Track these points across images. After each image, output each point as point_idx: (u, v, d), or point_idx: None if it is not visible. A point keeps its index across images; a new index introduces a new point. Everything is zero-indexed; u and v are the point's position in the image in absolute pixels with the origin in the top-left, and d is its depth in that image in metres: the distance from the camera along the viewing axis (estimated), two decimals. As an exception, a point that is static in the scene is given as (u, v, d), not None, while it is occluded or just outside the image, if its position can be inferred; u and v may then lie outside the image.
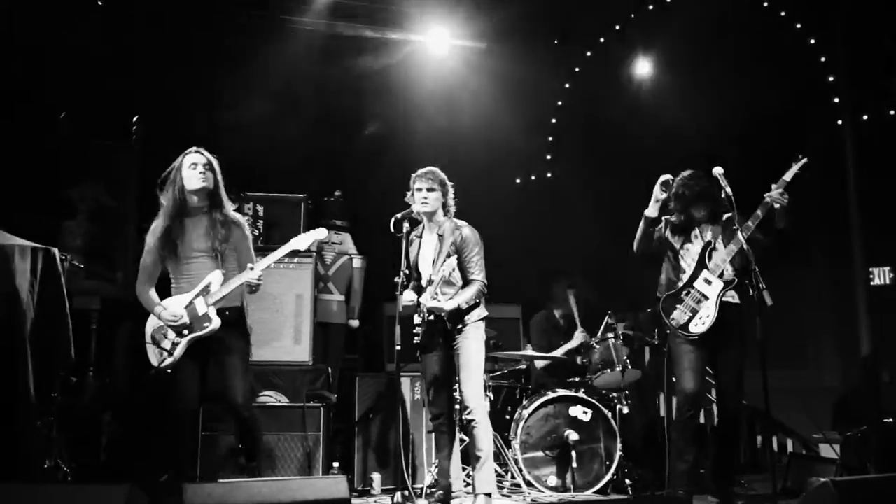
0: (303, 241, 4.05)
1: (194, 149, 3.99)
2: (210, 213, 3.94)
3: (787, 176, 4.26)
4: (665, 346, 4.79)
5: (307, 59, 6.53)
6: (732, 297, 4.35)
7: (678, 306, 4.37)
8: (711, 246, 4.39)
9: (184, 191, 3.91)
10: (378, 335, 6.12)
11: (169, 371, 3.88)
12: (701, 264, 4.38)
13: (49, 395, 4.21)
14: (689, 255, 4.45)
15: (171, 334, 3.88)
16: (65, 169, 5.60)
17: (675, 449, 4.39)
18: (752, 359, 4.23)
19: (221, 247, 3.91)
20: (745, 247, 4.07)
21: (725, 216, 4.43)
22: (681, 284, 4.39)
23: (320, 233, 4.14)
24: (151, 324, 3.97)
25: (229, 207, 4.03)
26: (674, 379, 4.43)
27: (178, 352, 3.84)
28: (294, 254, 5.29)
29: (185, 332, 3.84)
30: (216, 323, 3.81)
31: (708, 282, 4.34)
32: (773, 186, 4.25)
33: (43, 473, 3.92)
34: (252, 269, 3.81)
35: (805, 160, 4.26)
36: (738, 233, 4.13)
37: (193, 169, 3.90)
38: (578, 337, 5.74)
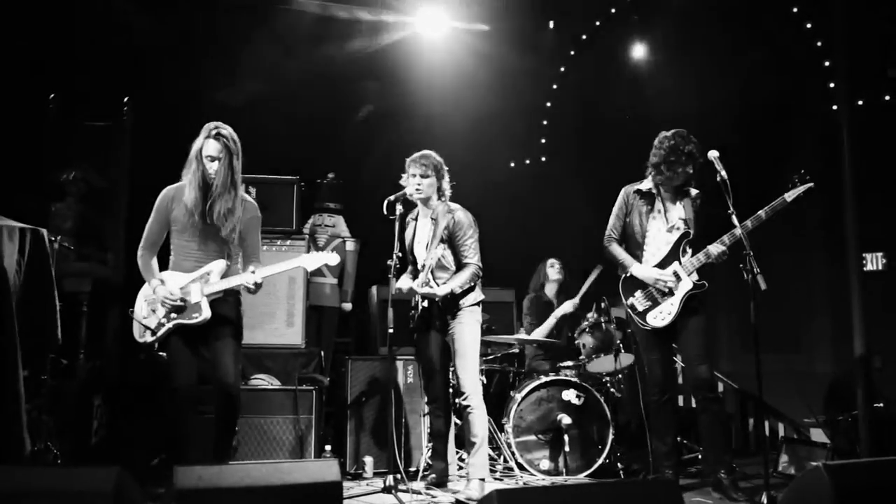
0: (312, 261, 3.85)
1: (214, 132, 3.71)
2: (229, 196, 3.74)
3: (789, 197, 4.10)
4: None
5: (301, 41, 6.46)
6: (696, 281, 4.20)
7: (639, 291, 4.28)
8: (688, 238, 4.26)
9: (205, 173, 3.71)
10: (366, 317, 6.11)
11: (159, 352, 3.80)
12: (673, 254, 4.25)
13: (39, 377, 4.18)
14: (651, 232, 4.32)
15: (161, 312, 3.71)
16: (54, 150, 5.53)
17: (655, 432, 4.40)
18: (745, 343, 4.20)
19: (232, 234, 3.74)
20: (744, 242, 3.91)
21: (693, 193, 4.35)
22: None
23: (332, 258, 3.91)
24: (143, 294, 3.80)
25: (242, 192, 3.84)
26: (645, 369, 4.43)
27: (162, 333, 3.70)
28: (287, 236, 5.32)
29: (174, 315, 3.69)
30: (206, 315, 3.66)
31: (678, 276, 4.20)
32: (768, 209, 4.08)
33: (32, 456, 3.89)
34: (253, 272, 3.65)
35: (811, 185, 4.10)
36: (736, 230, 3.98)
37: (211, 161, 3.70)
38: (567, 305, 5.72)
